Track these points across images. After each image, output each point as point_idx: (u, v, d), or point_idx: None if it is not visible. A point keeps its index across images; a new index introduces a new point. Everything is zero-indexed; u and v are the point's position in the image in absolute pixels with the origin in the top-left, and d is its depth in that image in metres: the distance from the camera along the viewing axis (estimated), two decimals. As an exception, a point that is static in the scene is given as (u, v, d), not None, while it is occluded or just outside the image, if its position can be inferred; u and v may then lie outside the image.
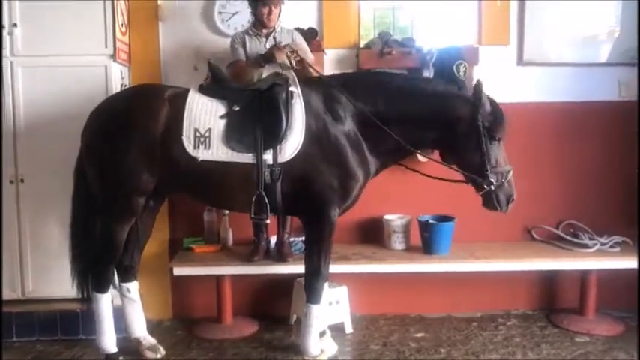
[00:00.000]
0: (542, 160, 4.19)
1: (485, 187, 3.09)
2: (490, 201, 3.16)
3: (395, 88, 3.20)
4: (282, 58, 3.34)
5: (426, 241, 3.91)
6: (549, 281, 4.27)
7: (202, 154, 3.03)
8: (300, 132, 3.05)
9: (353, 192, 3.17)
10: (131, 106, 3.14)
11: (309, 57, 3.54)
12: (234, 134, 3.04)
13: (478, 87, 3.06)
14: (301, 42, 3.66)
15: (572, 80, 4.17)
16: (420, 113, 3.11)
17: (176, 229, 4.14)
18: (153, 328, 3.78)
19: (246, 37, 3.66)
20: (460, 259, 3.85)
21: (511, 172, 3.15)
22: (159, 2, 4.03)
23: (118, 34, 3.74)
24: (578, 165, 4.20)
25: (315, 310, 3.20)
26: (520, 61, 4.17)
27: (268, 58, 3.42)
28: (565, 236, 4.14)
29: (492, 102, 3.11)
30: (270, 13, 3.57)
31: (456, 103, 3.12)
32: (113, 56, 3.71)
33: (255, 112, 3.09)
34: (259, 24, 3.65)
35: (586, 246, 3.97)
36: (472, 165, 3.11)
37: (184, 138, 3.03)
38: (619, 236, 4.04)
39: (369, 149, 3.17)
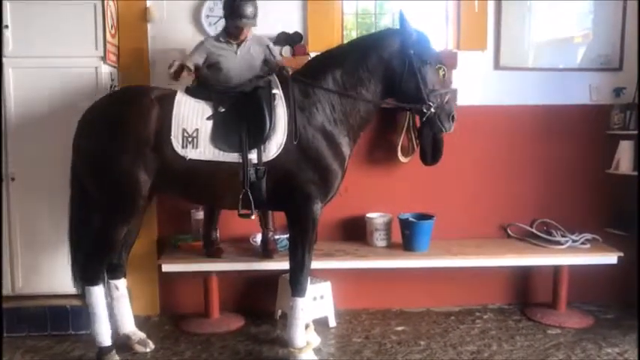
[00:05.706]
0: (518, 160, 4.33)
1: (425, 110, 3.24)
2: (434, 124, 3.31)
3: (340, 55, 3.36)
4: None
5: (407, 239, 4.03)
6: (524, 277, 4.42)
7: (190, 154, 3.14)
8: (282, 132, 3.18)
9: (333, 185, 3.31)
10: (122, 108, 3.21)
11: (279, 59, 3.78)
12: (220, 134, 3.17)
13: (402, 18, 3.22)
14: (273, 48, 3.80)
15: (546, 84, 4.31)
16: (367, 64, 3.26)
17: (164, 227, 4.20)
18: (141, 323, 3.85)
19: (216, 44, 3.64)
20: (439, 255, 3.96)
21: (449, 94, 3.32)
22: (147, 4, 4.07)
23: (108, 36, 3.80)
24: (552, 166, 4.35)
25: (300, 303, 3.30)
26: (497, 65, 4.30)
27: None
28: (539, 234, 4.28)
29: (416, 31, 3.27)
30: (241, 31, 3.60)
31: (388, 41, 3.27)
32: (103, 58, 3.77)
33: (241, 113, 3.21)
34: (230, 35, 3.66)
35: (558, 243, 4.13)
36: (411, 93, 3.25)
37: (173, 138, 3.14)
38: (589, 234, 4.20)
39: (343, 132, 3.29)
